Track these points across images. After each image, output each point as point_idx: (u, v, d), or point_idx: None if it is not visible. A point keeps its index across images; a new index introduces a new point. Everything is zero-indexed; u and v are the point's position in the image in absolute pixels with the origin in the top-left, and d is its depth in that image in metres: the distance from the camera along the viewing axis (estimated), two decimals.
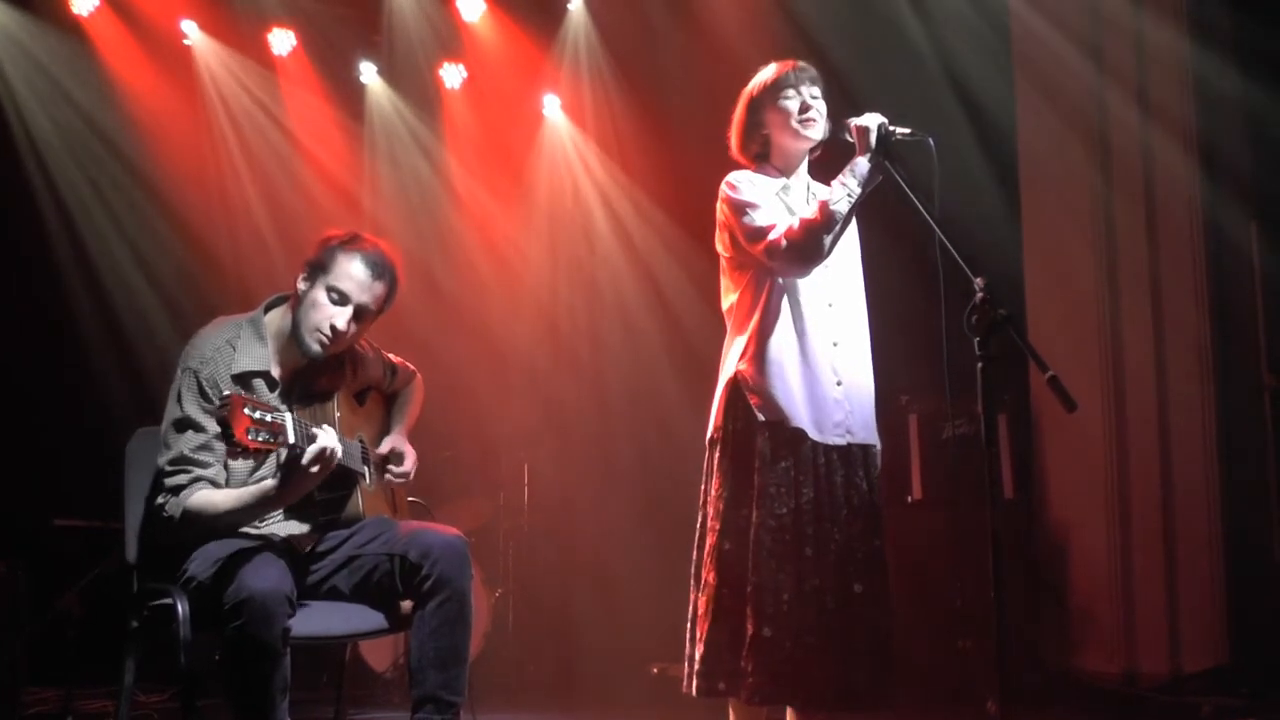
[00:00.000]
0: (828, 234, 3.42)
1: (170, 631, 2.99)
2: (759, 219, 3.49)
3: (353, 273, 3.24)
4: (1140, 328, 5.74)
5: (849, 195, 3.41)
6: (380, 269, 3.28)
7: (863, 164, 3.43)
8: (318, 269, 3.25)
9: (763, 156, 3.66)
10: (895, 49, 6.31)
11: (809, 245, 3.42)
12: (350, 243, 3.29)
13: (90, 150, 6.88)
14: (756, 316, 3.53)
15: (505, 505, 6.54)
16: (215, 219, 7.09)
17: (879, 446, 3.62)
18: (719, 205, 3.62)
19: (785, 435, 3.45)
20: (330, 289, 3.22)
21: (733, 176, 3.61)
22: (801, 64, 3.62)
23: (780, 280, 3.53)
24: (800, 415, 3.45)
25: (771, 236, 3.44)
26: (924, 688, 5.06)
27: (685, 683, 3.53)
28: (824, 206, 3.41)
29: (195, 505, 3.05)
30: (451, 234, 7.45)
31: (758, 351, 3.51)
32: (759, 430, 3.46)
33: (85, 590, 5.54)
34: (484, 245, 7.48)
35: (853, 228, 3.69)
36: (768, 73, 3.63)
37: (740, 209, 3.53)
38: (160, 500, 3.11)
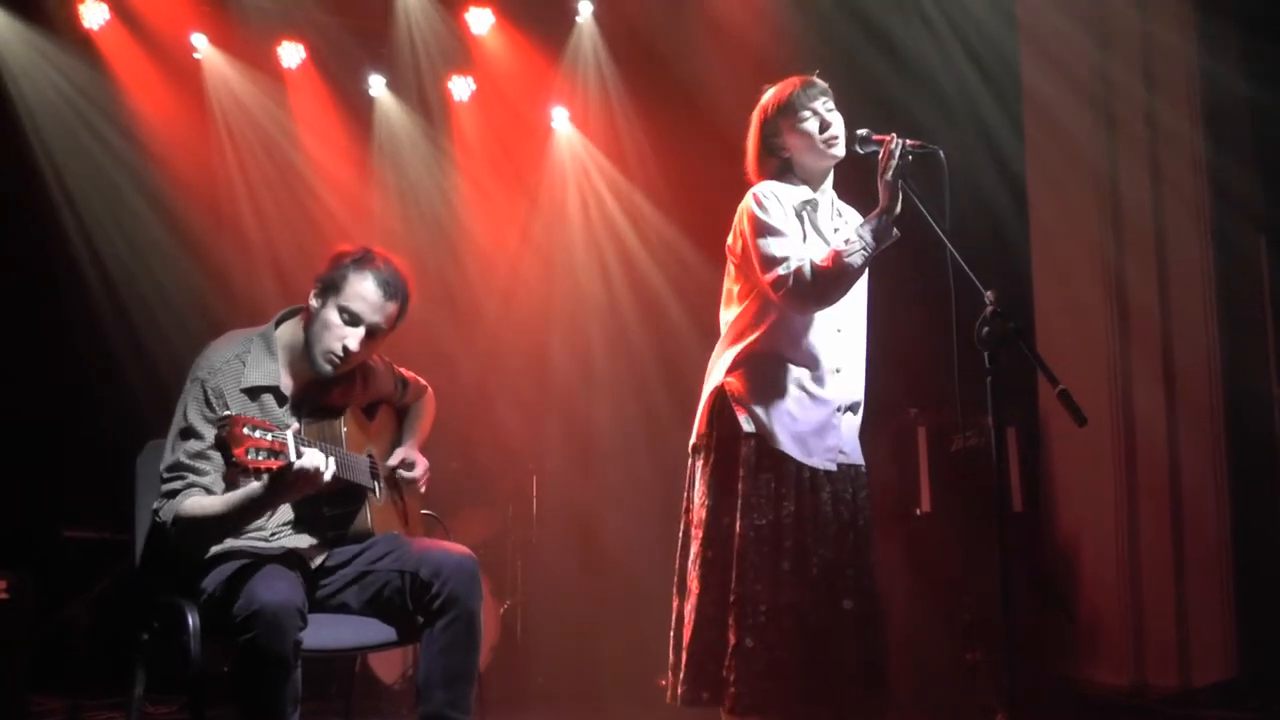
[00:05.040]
0: (837, 287, 3.38)
1: (179, 643, 3.00)
2: (775, 249, 3.41)
3: (365, 294, 3.22)
4: (1149, 340, 5.74)
5: (864, 250, 3.34)
6: (393, 288, 3.26)
7: (880, 223, 3.34)
8: (330, 288, 3.24)
9: (785, 169, 3.60)
10: (904, 62, 6.32)
11: (815, 293, 3.37)
12: (363, 261, 3.26)
13: (100, 162, 6.90)
14: (758, 332, 3.50)
15: (514, 517, 6.55)
16: (225, 231, 7.11)
17: (864, 467, 3.60)
18: (740, 215, 3.55)
19: (768, 448, 3.44)
20: (342, 309, 3.21)
21: (760, 189, 3.53)
22: (808, 79, 3.56)
23: None
24: (786, 438, 3.43)
25: (781, 271, 3.38)
26: (933, 699, 5.06)
27: (669, 693, 3.52)
28: (838, 257, 3.33)
29: (188, 511, 3.05)
30: (459, 246, 7.46)
31: (751, 367, 3.49)
32: (744, 440, 3.44)
33: (93, 601, 5.55)
34: (492, 258, 7.49)
35: None
36: (778, 93, 3.56)
37: (761, 230, 3.45)
38: (155, 505, 3.13)
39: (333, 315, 3.22)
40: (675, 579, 3.59)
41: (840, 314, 3.53)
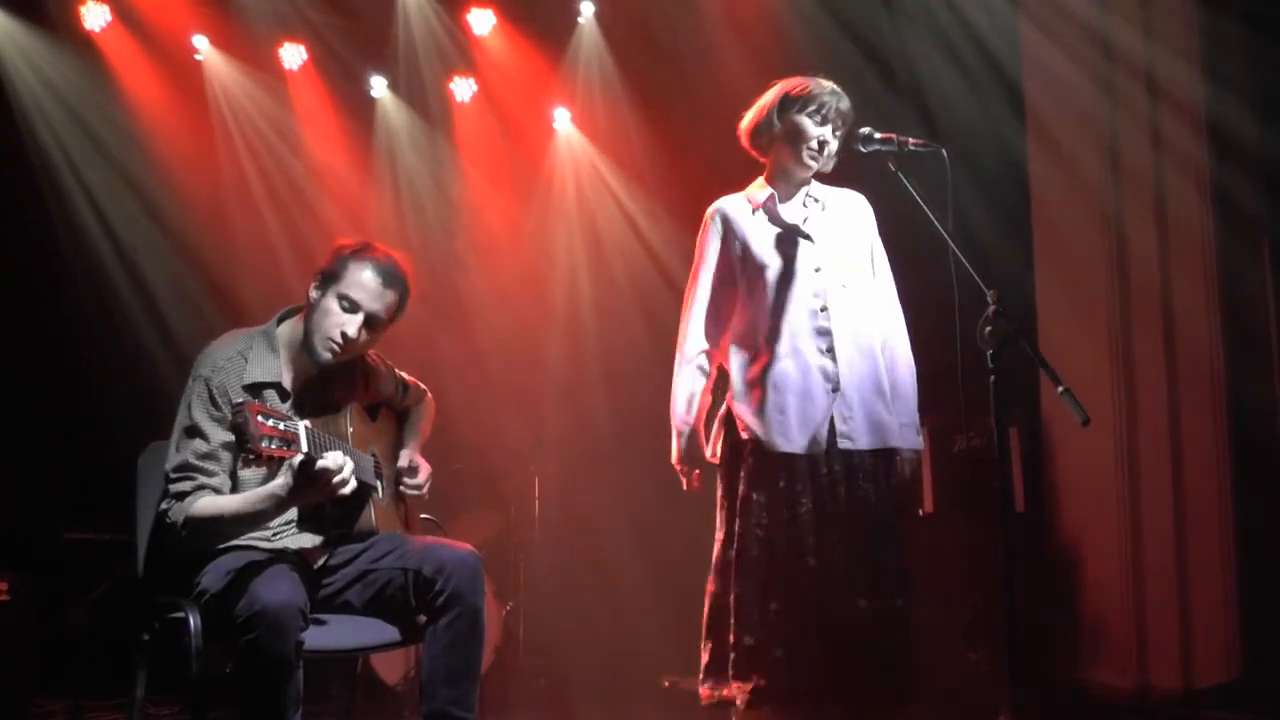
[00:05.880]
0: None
1: (180, 644, 2.99)
2: (696, 295, 3.70)
3: (364, 281, 3.25)
4: (1152, 342, 5.72)
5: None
6: (391, 278, 3.29)
7: None
8: (329, 277, 3.27)
9: (765, 153, 3.67)
10: (908, 61, 6.31)
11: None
12: (362, 252, 3.30)
13: (101, 164, 6.90)
14: (739, 333, 3.61)
15: (516, 518, 6.54)
16: (226, 232, 7.11)
17: (904, 451, 3.59)
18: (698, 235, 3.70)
19: (772, 453, 3.48)
20: (341, 297, 3.24)
21: (710, 210, 3.68)
22: (839, 93, 3.56)
23: (758, 292, 3.56)
24: (781, 438, 3.46)
25: (682, 324, 3.70)
26: (935, 700, 5.05)
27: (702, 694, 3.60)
28: (680, 423, 3.62)
29: (200, 511, 3.04)
30: (461, 247, 7.46)
31: (737, 375, 3.58)
32: (745, 446, 3.52)
33: (94, 602, 5.55)
34: (494, 258, 7.49)
35: (859, 225, 3.68)
36: (801, 85, 3.57)
37: (697, 255, 3.71)
38: (164, 506, 3.11)
39: (332, 303, 3.24)
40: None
41: (824, 294, 3.54)
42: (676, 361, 3.67)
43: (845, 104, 3.55)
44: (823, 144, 3.53)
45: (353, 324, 3.24)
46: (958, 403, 3.25)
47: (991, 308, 2.94)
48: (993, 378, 2.94)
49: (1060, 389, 2.81)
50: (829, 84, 3.57)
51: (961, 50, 6.23)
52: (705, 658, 3.53)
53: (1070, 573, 5.92)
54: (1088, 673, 5.75)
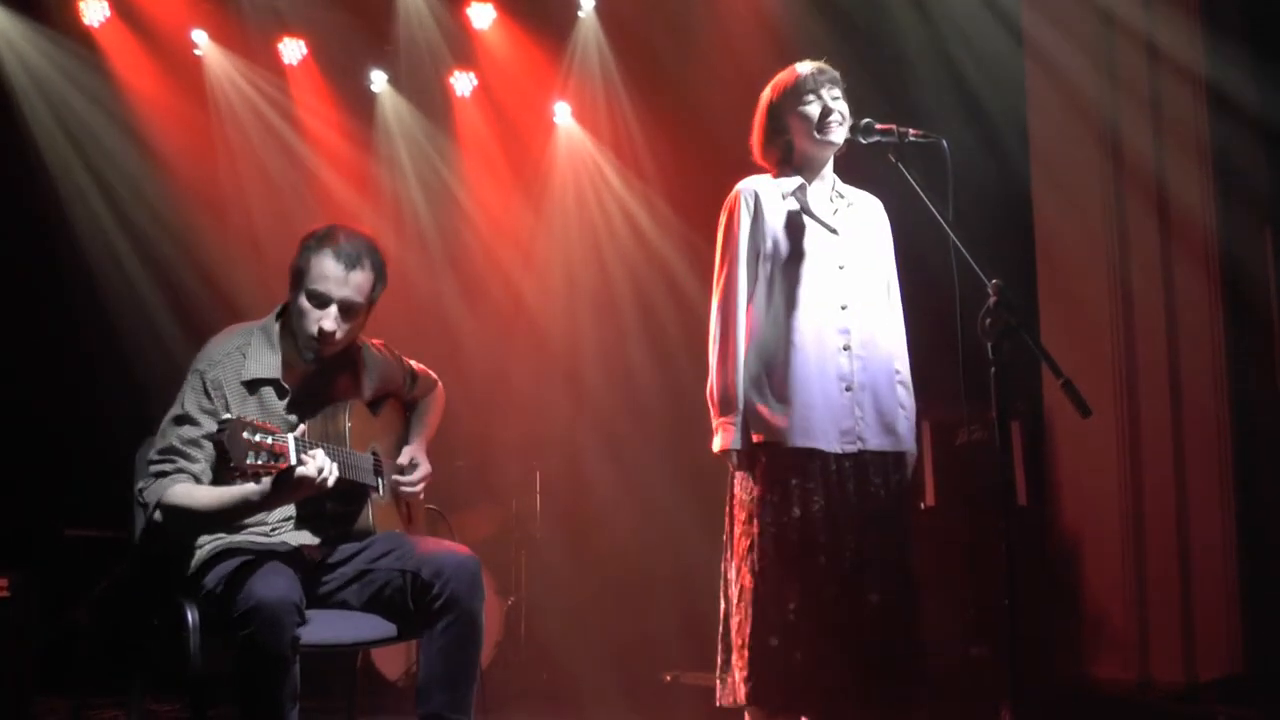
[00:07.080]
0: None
1: (180, 640, 2.98)
2: (726, 276, 3.55)
3: (326, 271, 3.16)
4: (1154, 333, 5.71)
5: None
6: (354, 258, 3.19)
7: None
8: (297, 275, 3.20)
9: (785, 160, 3.63)
10: (907, 54, 6.30)
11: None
12: (322, 240, 3.22)
13: (99, 160, 6.89)
14: (752, 326, 3.54)
15: (517, 513, 6.54)
16: (227, 228, 7.10)
17: (910, 452, 3.59)
18: (723, 211, 3.63)
19: (787, 449, 3.45)
20: (310, 294, 3.16)
21: (742, 188, 3.60)
22: (820, 65, 3.57)
23: (780, 283, 3.52)
24: (796, 433, 3.44)
25: (716, 301, 3.55)
26: (937, 695, 5.03)
27: (717, 693, 3.56)
28: (734, 413, 3.48)
29: (174, 499, 3.02)
30: (463, 241, 7.45)
31: (752, 370, 3.52)
32: (759, 445, 3.49)
33: (96, 600, 5.55)
34: (495, 253, 7.48)
35: (879, 230, 3.67)
36: (786, 76, 3.58)
37: (723, 239, 3.59)
38: (140, 485, 3.09)
39: (303, 302, 3.17)
40: (721, 583, 3.63)
41: (845, 290, 3.53)
42: (725, 349, 3.53)
43: (828, 71, 3.56)
44: (827, 113, 3.51)
45: (328, 318, 3.16)
46: (959, 396, 3.23)
47: (992, 299, 2.91)
48: (994, 370, 2.91)
49: (1061, 381, 2.79)
50: (805, 64, 3.57)
51: (963, 48, 6.21)
52: (720, 658, 3.52)
53: (1072, 566, 5.92)
54: (1090, 666, 5.74)
